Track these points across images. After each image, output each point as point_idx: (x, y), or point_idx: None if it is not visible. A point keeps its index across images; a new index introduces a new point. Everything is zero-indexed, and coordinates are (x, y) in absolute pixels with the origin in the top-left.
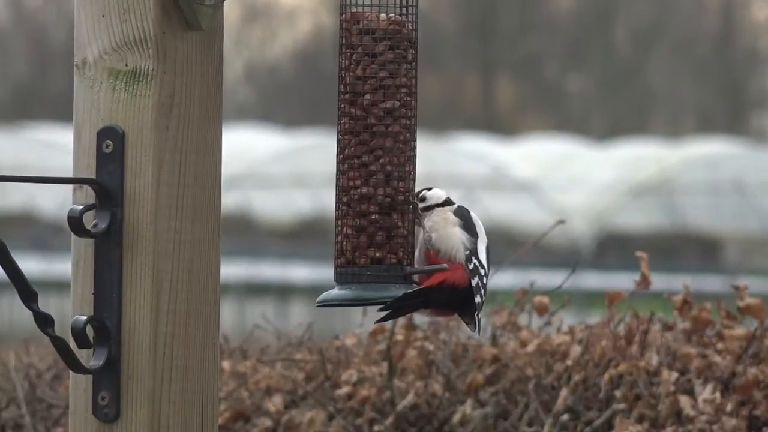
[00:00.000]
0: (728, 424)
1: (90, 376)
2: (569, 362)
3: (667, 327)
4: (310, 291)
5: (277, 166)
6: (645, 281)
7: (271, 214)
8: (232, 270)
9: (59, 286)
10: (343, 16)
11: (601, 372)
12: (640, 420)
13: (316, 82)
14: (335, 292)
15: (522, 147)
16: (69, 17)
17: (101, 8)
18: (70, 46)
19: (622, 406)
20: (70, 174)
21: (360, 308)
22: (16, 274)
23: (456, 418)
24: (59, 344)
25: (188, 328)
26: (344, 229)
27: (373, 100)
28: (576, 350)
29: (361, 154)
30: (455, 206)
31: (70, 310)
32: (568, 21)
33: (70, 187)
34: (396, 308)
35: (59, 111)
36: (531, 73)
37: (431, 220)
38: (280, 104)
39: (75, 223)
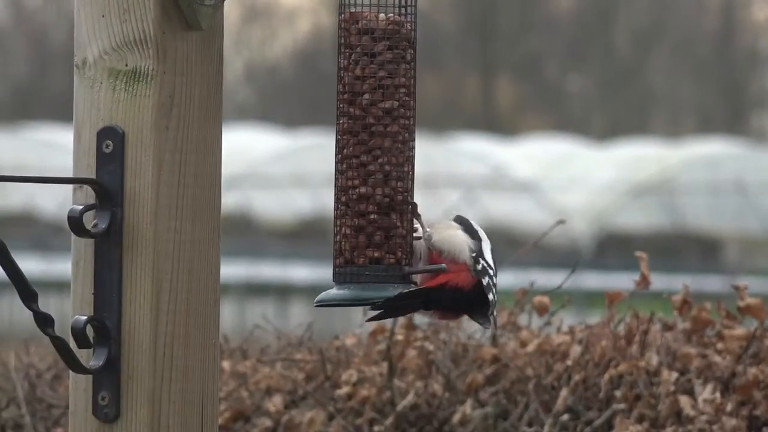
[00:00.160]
0: (728, 424)
1: (90, 376)
2: (569, 362)
3: (667, 327)
4: (310, 291)
5: (277, 166)
6: (645, 281)
7: (271, 214)
8: (232, 270)
9: (59, 286)
10: (342, 16)
11: (601, 372)
12: (640, 420)
13: (316, 82)
14: (333, 291)
15: (522, 147)
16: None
17: (101, 8)
18: (70, 46)
19: (622, 406)
20: (70, 174)
21: (360, 308)
22: (16, 274)
23: (456, 418)
24: (59, 344)
25: (188, 328)
26: (343, 229)
27: (371, 100)
28: (576, 350)
29: (359, 154)
30: (454, 216)
31: (70, 310)
32: (568, 21)
33: (70, 187)
34: (390, 307)
35: (59, 111)
36: (531, 73)
37: (432, 226)
38: (280, 104)
39: (75, 223)
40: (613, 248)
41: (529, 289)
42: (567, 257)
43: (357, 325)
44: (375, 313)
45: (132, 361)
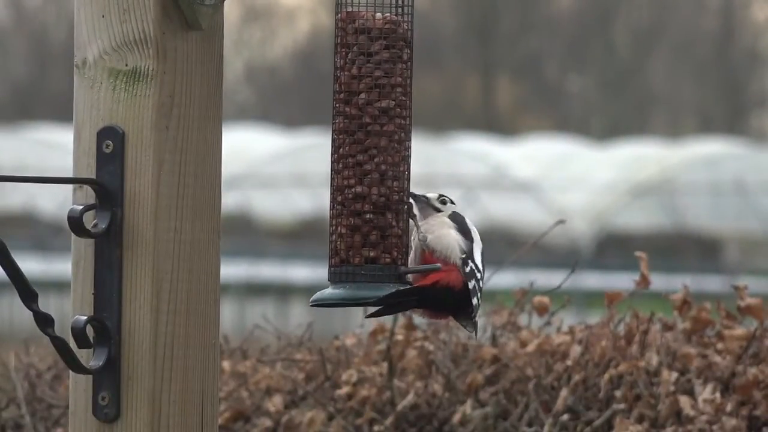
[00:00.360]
0: (728, 424)
1: (90, 376)
2: (569, 362)
3: (667, 327)
4: (310, 291)
5: (277, 166)
6: (644, 281)
7: (271, 214)
8: (232, 270)
9: (59, 286)
10: (339, 15)
11: (601, 372)
12: (640, 420)
13: (315, 82)
14: (329, 291)
15: (522, 147)
16: (69, 17)
17: (101, 8)
18: (70, 46)
19: (622, 406)
20: (70, 174)
21: (361, 308)
22: (16, 274)
23: (456, 418)
24: (59, 344)
25: (188, 328)
26: (338, 228)
27: (368, 99)
28: (576, 350)
29: (355, 153)
30: (450, 212)
31: (70, 310)
32: (568, 21)
33: (70, 187)
34: (387, 305)
35: (59, 111)
36: (531, 73)
37: (427, 223)
38: (280, 104)
39: (75, 223)
40: (613, 248)
41: (529, 289)
42: (567, 257)
43: (357, 325)
44: (373, 310)
45: (132, 361)
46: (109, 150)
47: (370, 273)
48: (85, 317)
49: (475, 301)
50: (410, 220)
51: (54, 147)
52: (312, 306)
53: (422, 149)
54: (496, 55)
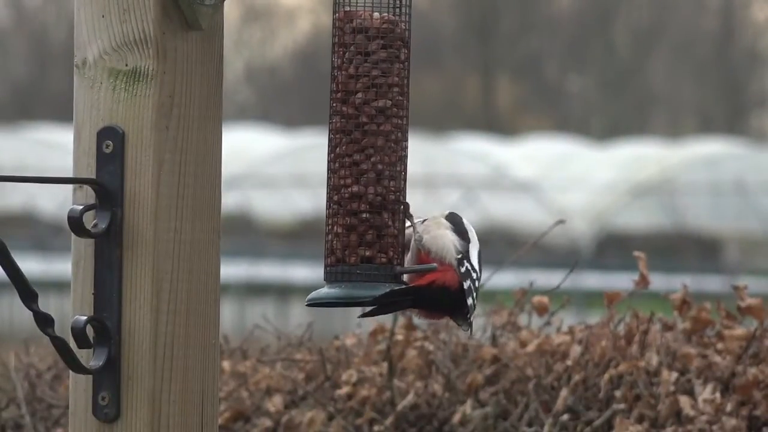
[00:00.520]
0: (728, 424)
1: (90, 376)
2: (569, 362)
3: (667, 327)
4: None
5: (277, 166)
6: (644, 281)
7: (271, 214)
8: (232, 270)
9: (59, 286)
10: (337, 14)
11: (601, 372)
12: (640, 420)
13: (315, 82)
14: (324, 290)
15: (522, 147)
16: (69, 17)
17: (101, 8)
18: (70, 46)
19: (622, 406)
20: (70, 174)
21: (360, 309)
22: (16, 274)
23: (456, 418)
24: (59, 344)
25: (188, 328)
26: (334, 227)
27: (365, 99)
28: (576, 350)
29: (352, 153)
30: (447, 212)
31: (70, 310)
32: (568, 21)
33: (70, 187)
34: (382, 304)
35: (59, 111)
36: (531, 73)
37: (423, 224)
38: (280, 104)
39: (75, 223)
40: (613, 248)
41: (529, 289)
42: (567, 257)
43: (357, 325)
44: (367, 309)
45: (132, 361)
46: (109, 150)
47: (366, 272)
48: (85, 317)
49: (470, 301)
50: (406, 220)
51: (54, 147)
52: (307, 305)
53: (422, 149)
54: (496, 55)
